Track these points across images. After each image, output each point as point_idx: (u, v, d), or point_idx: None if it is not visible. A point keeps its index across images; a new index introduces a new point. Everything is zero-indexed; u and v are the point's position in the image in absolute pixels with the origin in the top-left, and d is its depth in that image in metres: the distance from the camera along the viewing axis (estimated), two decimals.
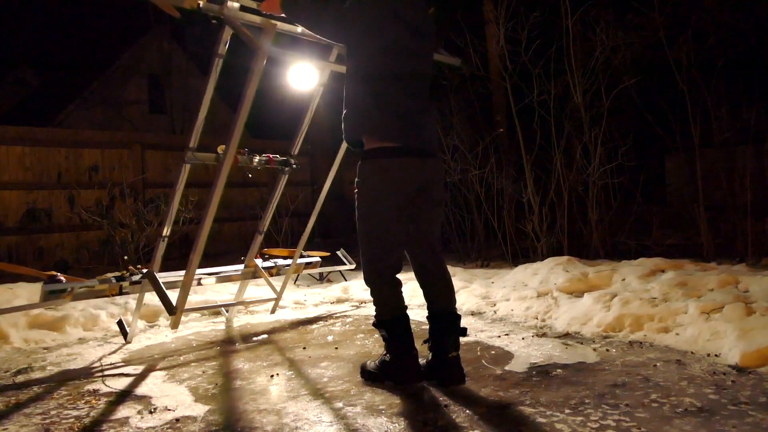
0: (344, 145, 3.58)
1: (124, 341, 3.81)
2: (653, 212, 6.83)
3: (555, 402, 2.39)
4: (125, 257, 3.84)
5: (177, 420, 2.38)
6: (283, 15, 2.76)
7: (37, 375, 3.16)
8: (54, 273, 3.35)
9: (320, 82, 3.98)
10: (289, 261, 4.41)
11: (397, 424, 2.23)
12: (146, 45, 14.84)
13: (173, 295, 3.26)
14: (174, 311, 3.09)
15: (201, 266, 3.59)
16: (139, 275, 3.60)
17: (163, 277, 3.48)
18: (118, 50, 14.75)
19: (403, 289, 2.72)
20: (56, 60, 16.16)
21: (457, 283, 4.63)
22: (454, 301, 2.74)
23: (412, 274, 2.82)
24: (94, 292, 3.42)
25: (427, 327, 2.72)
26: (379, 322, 2.68)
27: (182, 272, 3.31)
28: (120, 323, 3.79)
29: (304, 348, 3.53)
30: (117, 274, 3.66)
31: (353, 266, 5.35)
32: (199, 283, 3.92)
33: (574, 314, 3.75)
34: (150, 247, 7.14)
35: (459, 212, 7.46)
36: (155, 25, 14.69)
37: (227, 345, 3.72)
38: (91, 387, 2.90)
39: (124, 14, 15.27)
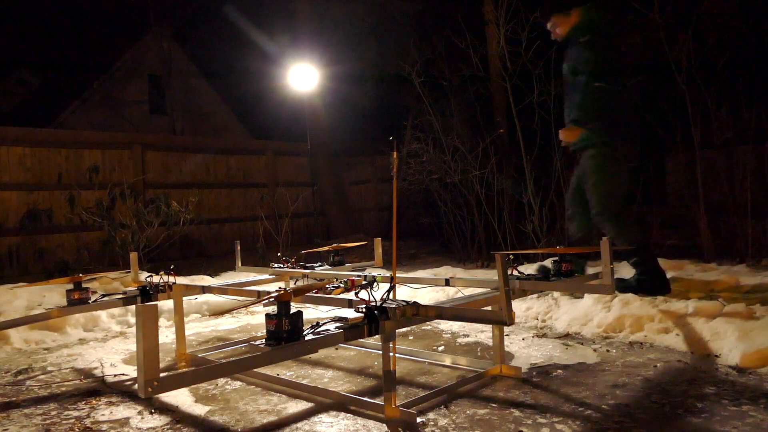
0: None
1: (127, 341, 3.80)
2: (653, 212, 6.83)
3: (555, 402, 2.39)
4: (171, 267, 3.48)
5: (177, 420, 2.38)
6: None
7: (37, 375, 3.17)
8: (80, 279, 3.26)
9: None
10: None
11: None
12: (146, 45, 14.86)
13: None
14: None
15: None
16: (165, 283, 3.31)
17: None
18: (119, 51, 14.76)
19: None
20: (56, 60, 16.15)
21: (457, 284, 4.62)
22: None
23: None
24: (117, 304, 3.31)
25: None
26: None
27: None
28: None
29: None
30: (145, 278, 3.39)
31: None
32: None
33: (575, 315, 3.75)
34: (150, 248, 7.14)
35: (459, 213, 7.46)
36: (155, 25, 14.71)
37: (227, 345, 3.72)
38: (91, 387, 2.90)
39: (124, 15, 15.28)
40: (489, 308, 2.62)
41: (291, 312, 2.03)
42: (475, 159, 7.04)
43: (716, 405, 2.28)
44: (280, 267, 3.88)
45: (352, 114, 11.97)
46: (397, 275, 2.54)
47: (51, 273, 7.06)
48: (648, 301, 3.62)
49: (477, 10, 8.20)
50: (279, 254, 4.07)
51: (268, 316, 2.03)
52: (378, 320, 2.17)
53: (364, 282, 2.61)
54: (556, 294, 4.26)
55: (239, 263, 4.26)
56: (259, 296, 2.77)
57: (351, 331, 2.15)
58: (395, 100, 10.26)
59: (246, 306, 2.54)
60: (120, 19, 15.44)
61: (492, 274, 5.74)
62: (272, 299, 2.08)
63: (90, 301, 3.23)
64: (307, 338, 2.04)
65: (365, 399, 2.46)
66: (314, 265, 3.94)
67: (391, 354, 2.24)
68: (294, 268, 3.84)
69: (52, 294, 4.67)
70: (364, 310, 2.21)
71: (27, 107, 15.24)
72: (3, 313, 4.20)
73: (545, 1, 4.50)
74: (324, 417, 2.34)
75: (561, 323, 3.76)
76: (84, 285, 3.26)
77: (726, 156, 6.13)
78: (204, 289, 3.41)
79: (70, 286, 3.24)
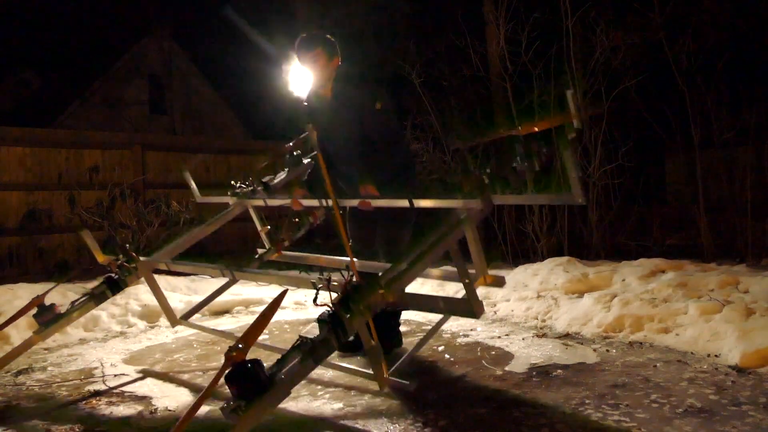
0: None
1: (125, 342, 3.80)
2: (653, 213, 6.83)
3: (555, 402, 2.39)
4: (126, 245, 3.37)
5: (177, 420, 2.38)
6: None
7: (37, 375, 3.17)
8: (39, 301, 3.08)
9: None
10: None
11: (397, 425, 2.23)
12: (147, 46, 14.85)
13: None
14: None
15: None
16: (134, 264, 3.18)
17: None
18: (119, 51, 14.76)
19: None
20: (57, 60, 16.15)
21: (458, 284, 4.62)
22: None
23: None
24: (90, 306, 3.16)
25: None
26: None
27: None
28: None
29: None
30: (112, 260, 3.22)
31: None
32: None
33: (575, 315, 3.75)
34: (151, 248, 7.13)
35: None
36: (156, 25, 14.71)
37: (227, 346, 3.71)
38: (91, 388, 2.90)
39: (124, 15, 15.29)
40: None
41: (247, 371, 1.88)
42: (475, 159, 7.05)
43: (716, 405, 2.28)
44: (236, 193, 3.67)
45: None
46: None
47: (51, 273, 7.06)
48: (648, 301, 3.62)
49: (477, 10, 8.20)
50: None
51: (227, 382, 1.88)
52: (344, 325, 2.05)
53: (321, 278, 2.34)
54: (556, 294, 4.27)
55: None
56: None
57: (319, 352, 2.02)
58: (395, 100, 10.26)
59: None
60: (120, 20, 15.44)
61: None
62: (228, 369, 1.91)
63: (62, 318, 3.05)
64: (275, 387, 1.88)
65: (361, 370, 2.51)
66: (273, 178, 3.65)
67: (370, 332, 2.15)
68: (252, 189, 3.63)
69: (53, 294, 4.65)
70: (326, 317, 2.09)
71: (27, 107, 15.22)
72: (3, 313, 4.20)
73: None
74: (325, 417, 2.34)
75: (561, 323, 3.76)
76: (48, 300, 3.08)
77: (726, 156, 6.13)
78: (168, 265, 3.24)
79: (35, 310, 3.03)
